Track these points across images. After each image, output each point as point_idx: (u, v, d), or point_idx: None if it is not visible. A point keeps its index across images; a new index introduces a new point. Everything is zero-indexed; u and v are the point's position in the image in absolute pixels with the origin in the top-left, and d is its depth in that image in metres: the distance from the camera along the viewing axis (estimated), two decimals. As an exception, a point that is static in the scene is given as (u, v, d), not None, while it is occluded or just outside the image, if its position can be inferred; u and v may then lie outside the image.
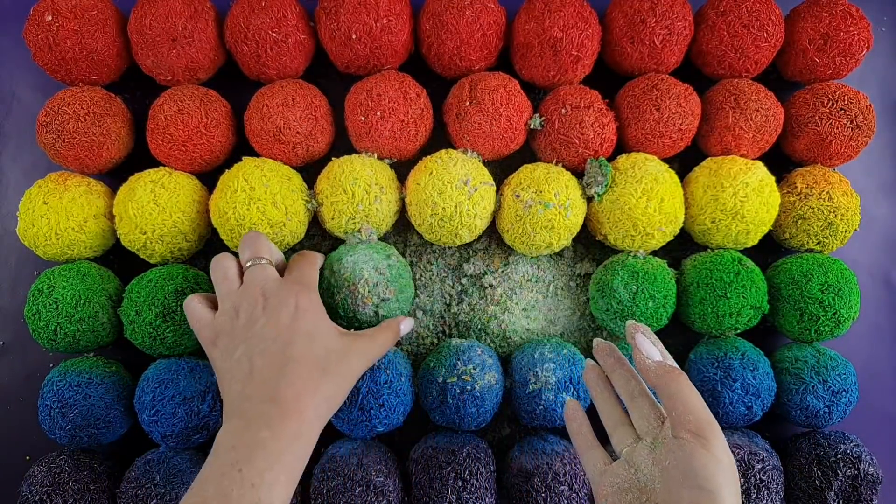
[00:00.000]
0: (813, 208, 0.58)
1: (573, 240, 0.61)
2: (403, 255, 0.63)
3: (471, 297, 0.62)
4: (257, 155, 0.59)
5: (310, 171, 0.61)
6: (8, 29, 0.64)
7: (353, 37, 0.57)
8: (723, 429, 0.59)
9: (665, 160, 0.60)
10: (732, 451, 0.55)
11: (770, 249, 0.62)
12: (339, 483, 0.53)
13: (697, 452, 0.35)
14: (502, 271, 0.62)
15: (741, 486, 0.54)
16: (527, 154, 0.62)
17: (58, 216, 0.56)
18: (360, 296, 0.53)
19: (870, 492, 0.55)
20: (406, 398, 0.56)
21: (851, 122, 0.59)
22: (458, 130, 0.58)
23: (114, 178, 0.60)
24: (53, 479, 0.54)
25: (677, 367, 0.39)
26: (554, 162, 0.59)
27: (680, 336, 0.62)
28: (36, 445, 0.60)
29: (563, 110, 0.58)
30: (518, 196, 0.57)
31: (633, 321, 0.42)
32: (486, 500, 0.54)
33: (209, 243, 0.61)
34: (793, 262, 0.59)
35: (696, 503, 0.34)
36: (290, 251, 0.62)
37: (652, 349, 0.40)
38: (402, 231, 0.63)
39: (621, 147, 0.61)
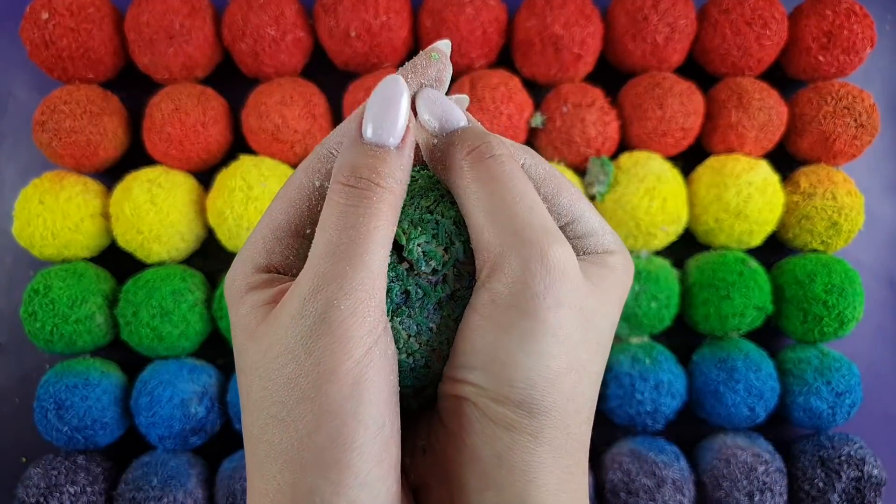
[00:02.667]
0: (816, 208, 0.58)
1: (574, 239, 0.60)
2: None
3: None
4: (255, 153, 0.58)
5: (308, 170, 0.60)
6: (4, 27, 0.63)
7: (352, 34, 0.56)
8: (726, 430, 0.59)
9: (668, 159, 0.59)
10: (735, 454, 0.55)
11: (774, 249, 0.62)
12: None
13: (504, 316, 0.18)
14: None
15: (744, 490, 0.54)
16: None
17: (54, 216, 0.55)
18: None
19: (874, 494, 0.55)
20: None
21: (855, 120, 0.58)
22: (459, 129, 0.58)
23: (110, 176, 0.60)
24: (49, 482, 0.53)
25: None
26: (556, 160, 0.59)
27: (683, 337, 0.61)
28: (32, 447, 0.59)
29: (565, 108, 0.57)
30: (519, 195, 0.56)
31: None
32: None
33: (206, 243, 0.60)
34: (796, 263, 0.58)
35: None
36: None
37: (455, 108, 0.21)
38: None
39: (624, 146, 0.60)
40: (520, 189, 0.19)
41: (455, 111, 0.21)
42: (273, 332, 0.18)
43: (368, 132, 0.19)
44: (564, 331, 0.18)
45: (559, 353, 0.18)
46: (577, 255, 0.21)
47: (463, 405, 0.19)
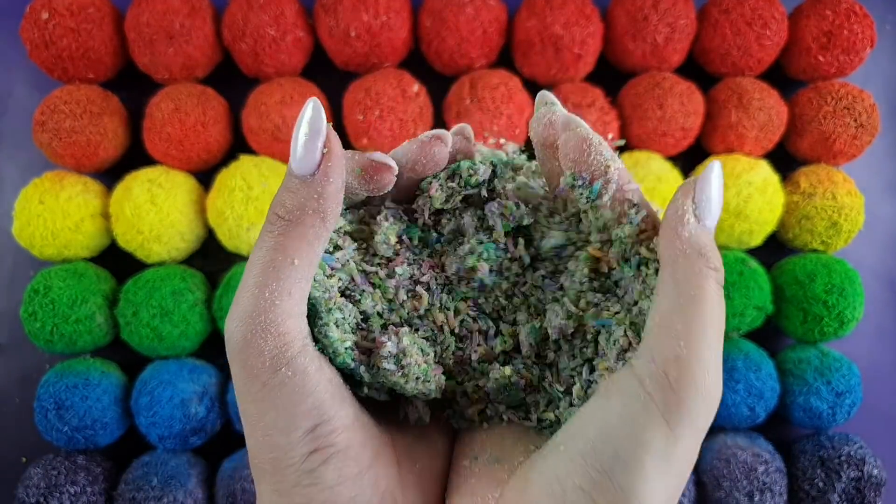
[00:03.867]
0: (817, 208, 0.58)
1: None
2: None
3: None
4: (255, 153, 0.58)
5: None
6: (4, 26, 0.63)
7: (352, 34, 0.56)
8: (726, 430, 0.58)
9: (668, 159, 0.59)
10: (735, 453, 0.55)
11: (774, 249, 0.62)
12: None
13: (648, 422, 0.18)
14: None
15: (744, 489, 0.54)
16: (528, 153, 0.61)
17: (54, 216, 0.55)
18: None
19: (873, 494, 0.55)
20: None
21: (855, 120, 0.58)
22: (459, 129, 0.58)
23: (110, 177, 0.60)
24: (50, 482, 0.53)
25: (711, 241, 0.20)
26: (555, 161, 0.59)
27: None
28: (32, 447, 0.59)
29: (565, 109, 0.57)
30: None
31: None
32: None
33: (207, 243, 0.60)
34: (796, 263, 0.58)
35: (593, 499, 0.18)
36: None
37: (716, 202, 0.21)
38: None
39: (624, 145, 0.60)
40: (721, 323, 0.19)
41: (714, 214, 0.20)
42: None
43: (293, 166, 0.20)
44: (690, 458, 0.19)
45: (677, 472, 0.18)
46: None
47: (570, 491, 0.19)
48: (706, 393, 0.18)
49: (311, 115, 0.20)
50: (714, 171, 0.20)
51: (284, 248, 0.20)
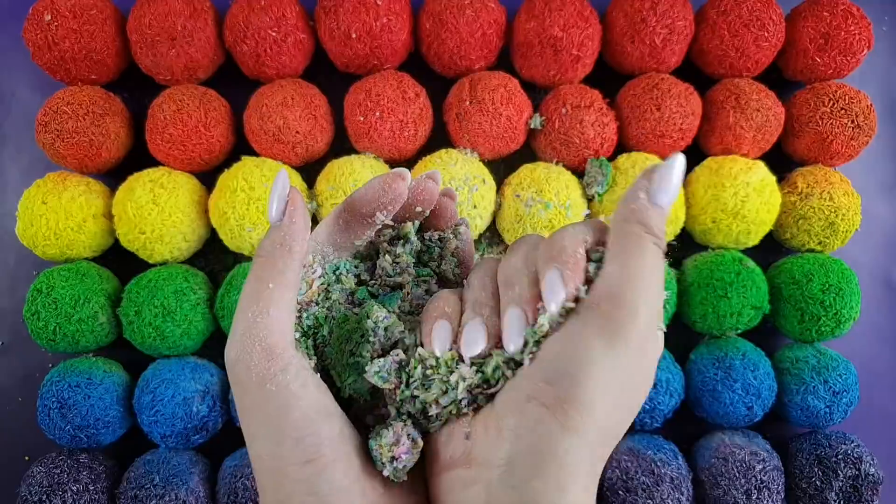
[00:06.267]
0: (814, 208, 0.58)
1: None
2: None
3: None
4: (256, 154, 0.59)
5: (309, 171, 0.61)
6: (7, 28, 0.63)
7: (353, 36, 0.57)
8: (724, 429, 0.59)
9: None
10: (733, 452, 0.55)
11: (771, 249, 0.62)
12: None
13: (589, 343, 0.21)
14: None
15: (742, 488, 0.54)
16: (527, 153, 0.62)
17: (57, 216, 0.55)
18: None
19: (870, 492, 0.55)
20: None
21: (852, 121, 0.58)
22: (458, 130, 0.58)
23: (113, 177, 0.60)
24: (52, 480, 0.54)
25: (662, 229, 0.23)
26: (554, 162, 0.59)
27: (681, 337, 0.62)
28: (35, 446, 0.60)
29: (564, 110, 0.57)
30: (518, 196, 0.56)
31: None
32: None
33: (209, 243, 0.61)
34: (794, 262, 0.59)
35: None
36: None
37: (673, 185, 0.23)
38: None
39: (622, 147, 0.61)
40: (658, 279, 0.22)
41: (669, 195, 0.23)
42: None
43: (269, 218, 0.25)
44: (631, 373, 0.22)
45: (619, 382, 0.22)
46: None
47: (527, 403, 0.22)
48: (638, 321, 0.21)
49: (279, 182, 0.25)
50: (677, 160, 0.23)
51: (261, 278, 0.24)
